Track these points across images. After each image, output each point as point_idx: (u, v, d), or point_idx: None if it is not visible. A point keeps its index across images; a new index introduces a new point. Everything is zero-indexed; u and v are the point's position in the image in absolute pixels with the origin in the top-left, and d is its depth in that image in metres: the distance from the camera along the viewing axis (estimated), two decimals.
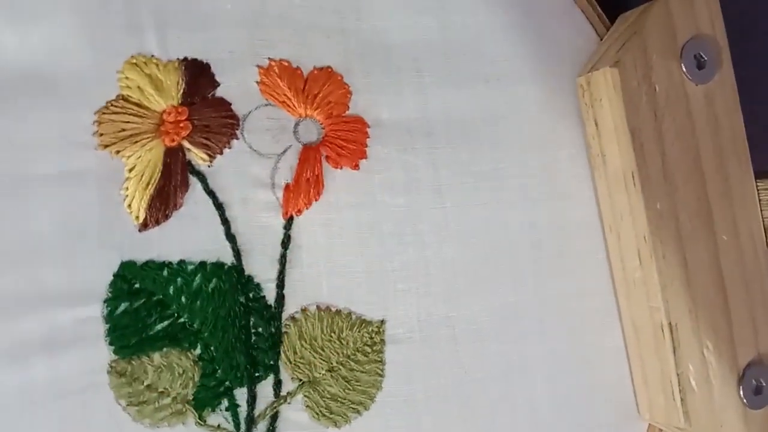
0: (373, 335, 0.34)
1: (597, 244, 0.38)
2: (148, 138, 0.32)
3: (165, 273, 0.32)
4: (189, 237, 0.32)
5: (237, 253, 0.33)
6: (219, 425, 0.32)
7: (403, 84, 0.36)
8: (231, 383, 0.32)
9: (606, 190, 0.38)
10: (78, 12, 0.32)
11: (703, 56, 0.36)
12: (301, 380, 0.33)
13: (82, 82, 0.32)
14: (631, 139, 0.35)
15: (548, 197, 0.38)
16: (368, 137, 0.35)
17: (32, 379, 0.30)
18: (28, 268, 0.30)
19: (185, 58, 0.33)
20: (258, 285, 0.33)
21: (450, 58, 0.37)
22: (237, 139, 0.33)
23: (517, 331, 0.36)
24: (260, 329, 0.33)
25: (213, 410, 0.32)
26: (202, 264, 0.32)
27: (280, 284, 0.33)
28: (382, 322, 0.34)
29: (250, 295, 0.33)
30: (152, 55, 0.33)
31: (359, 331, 0.34)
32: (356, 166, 0.35)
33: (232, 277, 0.33)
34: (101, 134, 0.32)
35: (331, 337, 0.34)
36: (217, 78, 0.33)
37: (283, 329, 0.33)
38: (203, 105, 0.33)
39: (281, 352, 0.33)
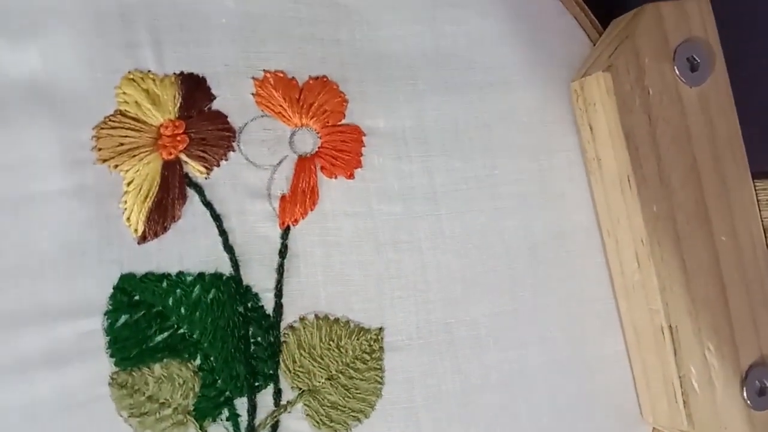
0: (372, 343, 0.34)
1: (595, 248, 0.38)
2: (145, 152, 0.33)
3: (164, 285, 0.32)
4: (187, 248, 0.33)
5: (235, 264, 0.33)
6: None
7: (398, 92, 0.36)
8: (231, 393, 0.33)
9: (602, 194, 0.38)
10: (75, 30, 0.32)
11: (696, 59, 0.37)
12: (300, 389, 0.33)
13: (80, 99, 0.32)
14: (626, 143, 0.35)
15: (545, 203, 0.38)
16: (363, 146, 0.35)
17: (35, 394, 0.30)
18: (29, 282, 0.31)
19: (181, 73, 0.33)
20: (256, 295, 0.33)
21: (444, 66, 0.37)
22: (233, 151, 0.34)
23: (516, 337, 0.36)
24: (259, 339, 0.33)
25: (214, 420, 0.32)
26: (201, 275, 0.33)
27: (278, 294, 0.33)
28: (381, 329, 0.35)
29: (249, 305, 0.33)
30: (149, 71, 0.33)
31: (358, 339, 0.34)
32: (351, 176, 0.35)
33: (231, 288, 0.33)
34: (99, 149, 0.32)
35: (330, 345, 0.34)
36: (213, 91, 0.34)
37: (282, 338, 0.33)
38: (200, 118, 0.33)
39: (280, 362, 0.33)
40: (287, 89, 0.34)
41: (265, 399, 0.33)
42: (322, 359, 0.34)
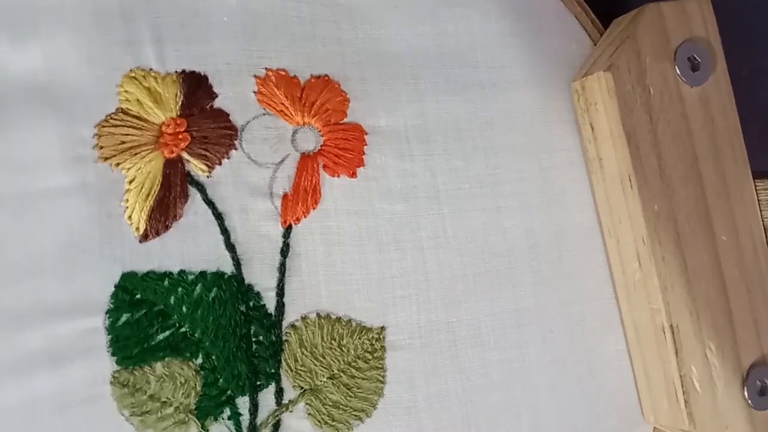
0: (374, 342, 0.34)
1: (596, 247, 0.38)
2: (147, 150, 0.33)
3: (166, 283, 0.32)
4: (189, 247, 0.32)
5: (237, 263, 0.33)
6: None
7: (400, 91, 0.36)
8: (233, 392, 0.32)
9: (603, 194, 0.38)
10: (77, 28, 0.32)
11: (697, 58, 0.37)
12: (302, 388, 0.33)
13: (81, 97, 0.32)
14: (627, 142, 0.35)
15: (546, 202, 0.38)
16: (365, 145, 0.35)
17: (36, 393, 0.30)
18: (30, 281, 0.31)
19: (183, 71, 0.33)
20: (258, 294, 0.33)
21: (445, 65, 0.37)
22: (235, 149, 0.34)
23: (518, 336, 0.36)
24: (261, 338, 0.33)
25: (215, 419, 0.32)
26: (203, 274, 0.33)
27: (280, 292, 0.33)
28: (383, 328, 0.35)
29: (251, 303, 0.33)
30: (150, 69, 0.33)
31: (359, 338, 0.34)
32: (353, 174, 0.35)
33: (232, 286, 0.33)
34: (101, 147, 0.32)
35: (332, 344, 0.34)
36: (215, 89, 0.34)
37: (284, 337, 0.33)
38: (201, 116, 0.33)
39: (282, 361, 0.33)
40: (289, 87, 0.34)
41: (266, 398, 0.33)
42: (324, 358, 0.34)
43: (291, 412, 0.33)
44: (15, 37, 0.32)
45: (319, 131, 0.35)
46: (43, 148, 0.31)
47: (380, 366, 0.34)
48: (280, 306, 0.33)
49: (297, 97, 0.35)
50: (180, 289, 0.32)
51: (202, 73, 0.34)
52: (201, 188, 0.33)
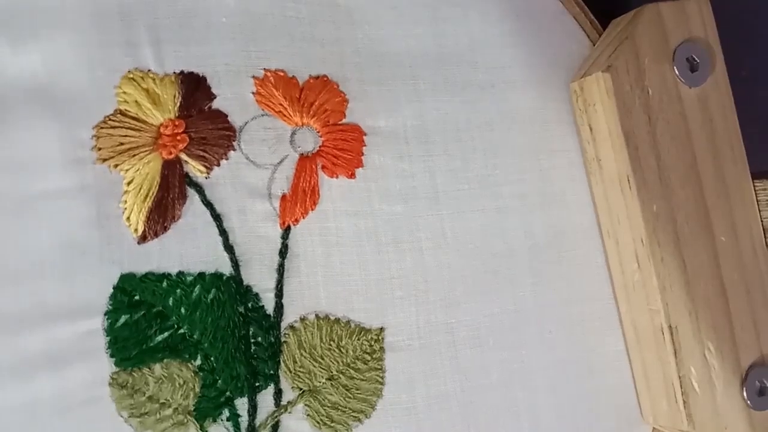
0: (373, 343, 0.34)
1: (595, 248, 0.38)
2: (145, 151, 0.33)
3: (164, 284, 0.32)
4: (187, 248, 0.32)
5: (235, 264, 0.33)
6: None
7: (399, 92, 0.36)
8: (232, 393, 0.32)
9: (602, 194, 0.38)
10: (76, 29, 0.32)
11: (696, 59, 0.37)
12: (301, 389, 0.33)
13: (80, 98, 0.32)
14: (626, 143, 0.35)
15: (545, 203, 0.38)
16: (364, 145, 0.35)
17: (36, 395, 0.30)
18: (29, 283, 0.31)
19: (181, 72, 0.33)
20: (256, 295, 0.33)
21: (444, 65, 0.37)
22: (234, 150, 0.34)
23: (517, 337, 0.36)
24: (260, 339, 0.33)
25: (214, 421, 0.32)
26: (201, 275, 0.33)
27: (279, 294, 0.33)
28: (381, 329, 0.35)
29: (249, 305, 0.33)
30: (149, 70, 0.33)
31: (358, 339, 0.34)
32: (352, 175, 0.35)
33: (231, 288, 0.33)
34: (99, 148, 0.32)
35: (331, 345, 0.34)
36: (213, 90, 0.34)
37: (283, 339, 0.33)
38: (200, 117, 0.33)
39: (281, 362, 0.33)
40: (288, 88, 0.34)
41: (265, 399, 0.33)
42: (323, 359, 0.34)
43: (290, 413, 0.33)
44: (14, 39, 0.32)
45: (318, 132, 0.35)
46: (42, 150, 0.31)
47: (379, 367, 0.34)
48: (279, 307, 0.33)
49: (296, 97, 0.34)
50: (178, 290, 0.32)
51: (201, 74, 0.34)
52: (199, 189, 0.33)
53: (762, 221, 0.38)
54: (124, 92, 0.33)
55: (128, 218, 0.32)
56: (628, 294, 0.37)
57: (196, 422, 0.32)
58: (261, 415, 0.33)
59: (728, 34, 0.37)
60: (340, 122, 0.35)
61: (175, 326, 0.32)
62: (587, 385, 0.37)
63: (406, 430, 0.34)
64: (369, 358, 0.34)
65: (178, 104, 0.33)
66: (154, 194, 0.32)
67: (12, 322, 0.30)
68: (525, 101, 0.38)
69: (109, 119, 0.32)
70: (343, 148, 0.35)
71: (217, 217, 0.33)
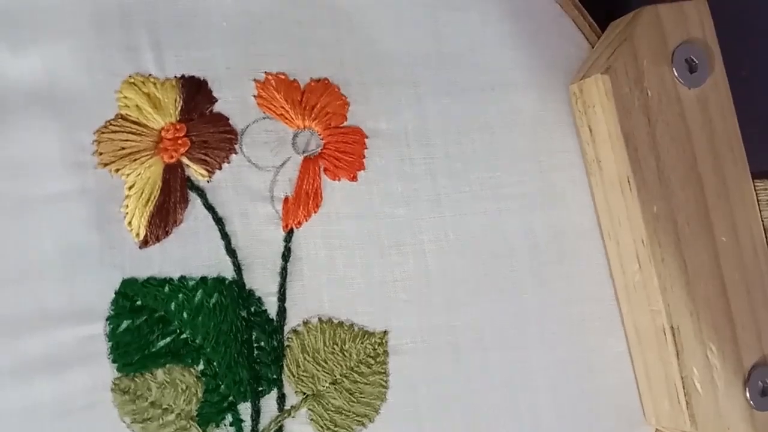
0: (376, 346, 0.34)
1: (596, 249, 0.39)
2: (147, 155, 0.32)
3: (166, 289, 0.32)
4: (189, 252, 0.32)
5: (238, 268, 0.33)
6: None
7: (400, 94, 0.36)
8: (234, 398, 0.32)
9: (603, 196, 0.38)
10: (76, 34, 0.32)
11: (695, 60, 0.37)
12: (304, 394, 0.33)
13: (81, 103, 0.32)
14: (625, 144, 0.36)
15: (546, 204, 0.38)
16: (366, 148, 0.35)
17: (37, 399, 0.30)
18: (30, 288, 0.30)
19: (182, 76, 0.33)
20: (259, 299, 0.33)
21: (445, 68, 0.37)
22: (236, 153, 0.33)
23: (519, 338, 0.36)
24: (262, 343, 0.33)
25: (217, 426, 0.32)
26: (203, 279, 0.32)
27: (282, 297, 0.33)
28: (385, 333, 0.34)
29: (252, 309, 0.33)
30: (150, 74, 0.33)
31: (362, 343, 0.34)
32: (354, 178, 0.35)
33: (234, 292, 0.33)
34: (101, 153, 0.32)
35: (334, 349, 0.34)
36: (215, 94, 0.34)
37: (286, 343, 0.33)
38: (201, 121, 0.33)
39: (284, 366, 0.33)
40: (289, 91, 0.34)
41: (268, 404, 0.33)
42: (326, 363, 0.33)
43: (293, 417, 0.33)
44: (14, 42, 0.31)
45: (320, 135, 0.35)
46: (43, 154, 0.31)
47: (383, 371, 0.34)
48: (282, 311, 0.33)
49: (297, 100, 0.34)
50: (181, 295, 0.32)
51: (202, 78, 0.33)
52: (201, 193, 0.33)
53: (762, 221, 0.38)
54: (125, 97, 0.32)
55: (130, 222, 0.32)
56: (629, 295, 0.37)
57: (199, 427, 0.32)
58: (264, 420, 0.33)
59: (728, 34, 0.37)
60: (341, 125, 0.35)
61: (178, 331, 0.32)
62: (589, 385, 0.37)
63: None
64: (372, 361, 0.34)
65: (180, 108, 0.33)
66: (156, 198, 0.32)
67: (13, 325, 0.30)
68: (525, 103, 0.38)
69: (110, 124, 0.32)
70: (345, 151, 0.35)
71: (219, 221, 0.33)
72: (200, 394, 0.32)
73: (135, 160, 0.32)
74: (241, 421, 0.32)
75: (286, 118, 0.34)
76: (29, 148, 0.31)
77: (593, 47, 0.40)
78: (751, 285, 0.37)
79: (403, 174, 0.36)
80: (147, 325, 0.32)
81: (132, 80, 0.33)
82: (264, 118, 0.34)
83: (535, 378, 0.36)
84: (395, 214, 0.35)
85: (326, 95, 0.35)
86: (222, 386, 0.32)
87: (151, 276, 0.32)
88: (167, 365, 0.32)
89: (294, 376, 0.33)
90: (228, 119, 0.33)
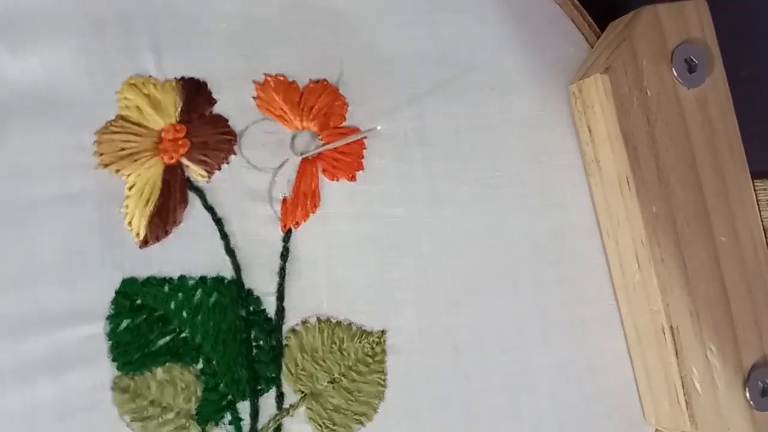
0: (374, 346, 0.34)
1: (596, 249, 0.38)
2: (147, 156, 0.33)
3: (166, 289, 0.32)
4: (189, 252, 0.33)
5: (237, 267, 0.33)
6: None
7: (399, 95, 0.36)
8: (233, 397, 0.32)
9: (602, 196, 0.38)
10: (76, 36, 0.33)
11: (694, 60, 0.37)
12: (303, 392, 0.33)
13: (81, 104, 0.32)
14: (625, 144, 0.36)
15: (545, 204, 0.38)
16: (365, 149, 0.35)
17: (38, 399, 0.30)
18: (31, 288, 0.31)
19: (182, 77, 0.34)
20: (258, 298, 0.33)
21: (444, 68, 0.37)
22: (235, 154, 0.34)
23: (518, 339, 0.36)
24: (261, 342, 0.33)
25: (216, 424, 0.32)
26: (203, 279, 0.33)
27: (280, 297, 0.33)
28: (383, 332, 0.35)
29: (251, 308, 0.33)
30: (150, 76, 0.33)
31: (360, 342, 0.34)
32: (353, 178, 0.35)
33: (233, 291, 0.33)
34: (101, 154, 0.32)
35: (332, 348, 0.34)
36: (214, 95, 0.34)
37: (284, 342, 0.33)
38: (201, 122, 0.33)
39: (283, 365, 0.33)
40: (288, 92, 0.35)
41: (267, 403, 0.33)
42: (325, 362, 0.34)
43: (292, 416, 0.33)
44: (14, 45, 0.32)
45: (319, 135, 0.35)
46: (44, 155, 0.32)
47: (381, 370, 0.34)
48: (281, 310, 0.33)
49: (296, 101, 0.35)
50: (180, 294, 0.32)
51: (201, 80, 0.34)
52: (200, 193, 0.33)
53: (762, 221, 0.38)
54: (126, 98, 0.33)
55: (130, 223, 0.32)
56: (628, 295, 0.37)
57: (198, 426, 0.32)
58: (263, 419, 0.33)
59: (727, 34, 0.37)
60: (340, 125, 0.35)
61: (177, 330, 0.32)
62: (588, 386, 0.37)
63: None
64: (371, 360, 0.34)
65: (179, 109, 0.33)
66: (156, 199, 0.32)
67: (13, 326, 0.30)
68: (524, 104, 0.38)
69: (111, 125, 0.33)
70: (344, 151, 0.35)
71: (218, 221, 0.33)
72: (199, 393, 0.32)
73: (135, 160, 0.33)
74: (240, 419, 0.32)
75: (285, 120, 0.35)
76: (29, 149, 0.31)
77: (592, 47, 0.40)
78: (750, 285, 0.37)
79: (401, 174, 0.36)
80: (147, 324, 0.32)
81: (132, 81, 0.33)
82: (263, 119, 0.34)
83: (534, 378, 0.36)
84: (394, 214, 0.35)
85: (325, 96, 0.35)
86: (221, 385, 0.32)
87: (150, 275, 0.32)
88: (167, 364, 0.32)
89: (293, 375, 0.33)
90: (227, 120, 0.34)
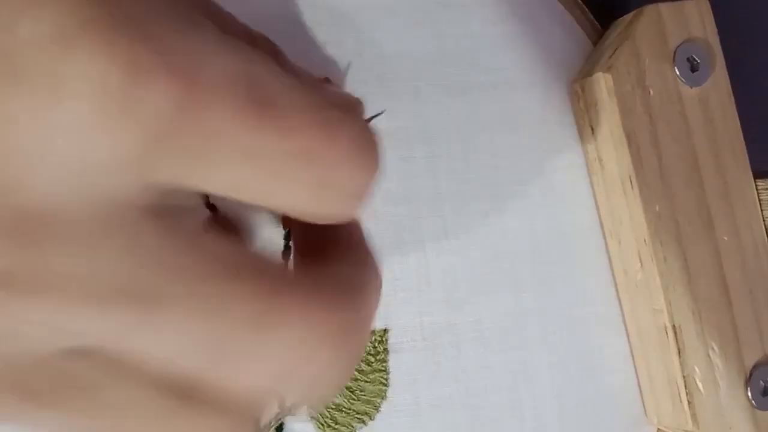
0: (376, 344, 0.34)
1: (598, 249, 0.38)
2: None
3: None
4: None
5: None
6: None
7: (401, 93, 0.36)
8: None
9: (604, 195, 0.38)
10: None
11: (696, 59, 0.37)
12: None
13: None
14: (627, 143, 0.36)
15: (547, 203, 0.38)
16: None
17: None
18: None
19: None
20: None
21: (446, 67, 0.37)
22: None
23: (520, 338, 0.36)
24: None
25: None
26: None
27: None
28: (385, 331, 0.34)
29: None
30: None
31: None
32: None
33: None
34: None
35: None
36: None
37: None
38: None
39: None
40: None
41: None
42: None
43: (294, 415, 0.33)
44: None
45: None
46: None
47: (383, 368, 0.34)
48: None
49: None
50: None
51: None
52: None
53: (764, 221, 0.38)
54: None
55: None
56: (630, 294, 0.37)
57: None
58: (264, 417, 0.33)
59: (729, 33, 0.37)
60: None
61: None
62: (590, 385, 0.37)
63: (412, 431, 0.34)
64: (373, 359, 0.34)
65: None
66: None
67: None
68: (526, 102, 0.38)
69: None
70: None
71: None
72: None
73: None
74: None
75: None
76: None
77: (595, 46, 0.40)
78: (752, 284, 0.37)
79: (403, 172, 0.36)
80: None
81: None
82: None
83: (536, 378, 0.36)
84: (396, 212, 0.35)
85: None
86: None
87: None
88: None
89: None
90: None
